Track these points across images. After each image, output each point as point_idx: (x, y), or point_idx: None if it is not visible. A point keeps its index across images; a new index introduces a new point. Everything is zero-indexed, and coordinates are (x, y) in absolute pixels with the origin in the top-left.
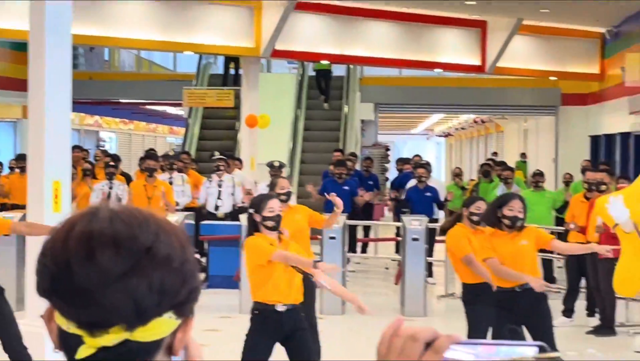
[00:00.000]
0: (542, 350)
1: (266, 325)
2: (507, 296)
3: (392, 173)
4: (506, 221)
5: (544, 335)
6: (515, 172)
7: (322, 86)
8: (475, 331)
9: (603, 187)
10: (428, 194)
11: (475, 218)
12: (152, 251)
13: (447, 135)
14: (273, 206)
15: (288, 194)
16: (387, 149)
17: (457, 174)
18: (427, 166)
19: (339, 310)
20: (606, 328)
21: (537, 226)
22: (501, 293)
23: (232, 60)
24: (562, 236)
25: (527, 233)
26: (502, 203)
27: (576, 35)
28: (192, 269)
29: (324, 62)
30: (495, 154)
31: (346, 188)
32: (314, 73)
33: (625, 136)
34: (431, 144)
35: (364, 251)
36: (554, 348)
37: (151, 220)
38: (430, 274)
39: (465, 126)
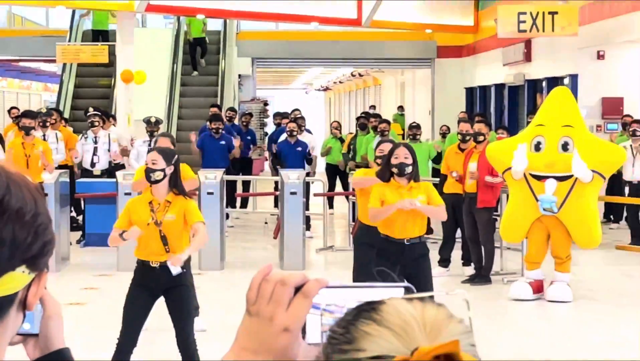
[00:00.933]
0: (408, 291)
1: (144, 278)
2: (395, 247)
3: (271, 128)
4: (394, 170)
5: (423, 288)
6: (392, 125)
7: (197, 55)
8: (361, 269)
9: (480, 137)
10: (299, 148)
11: (378, 161)
12: (3, 205)
13: (325, 89)
14: (147, 159)
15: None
16: (266, 104)
17: (335, 128)
18: (299, 120)
19: (217, 265)
20: (482, 276)
21: None
22: (390, 244)
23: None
24: (438, 187)
25: (425, 188)
26: (389, 155)
27: None
28: (45, 222)
29: (200, 16)
30: (372, 107)
31: (223, 142)
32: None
33: (499, 87)
34: (310, 98)
35: (243, 206)
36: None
37: (1, 173)
38: (308, 227)
39: (344, 80)
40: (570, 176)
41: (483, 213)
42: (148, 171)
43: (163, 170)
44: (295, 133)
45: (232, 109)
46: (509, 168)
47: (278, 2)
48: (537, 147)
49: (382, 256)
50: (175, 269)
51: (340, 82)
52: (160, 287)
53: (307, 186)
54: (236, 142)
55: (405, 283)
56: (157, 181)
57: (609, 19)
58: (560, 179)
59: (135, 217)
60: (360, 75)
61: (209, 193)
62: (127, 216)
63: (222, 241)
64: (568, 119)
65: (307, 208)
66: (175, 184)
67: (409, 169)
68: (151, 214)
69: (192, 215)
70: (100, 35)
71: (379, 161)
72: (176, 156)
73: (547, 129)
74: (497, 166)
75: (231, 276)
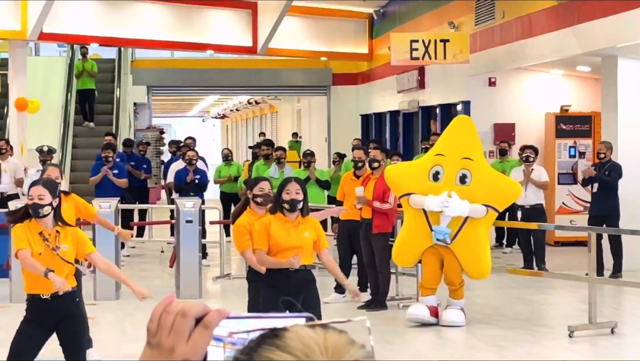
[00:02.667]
0: (309, 320)
1: (35, 313)
2: (279, 275)
3: (167, 156)
4: (286, 206)
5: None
6: (288, 152)
7: (86, 107)
8: (254, 305)
9: (375, 164)
10: (198, 176)
11: (259, 200)
12: None
13: (223, 117)
14: (32, 193)
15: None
16: (162, 132)
17: (226, 156)
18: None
19: (113, 295)
20: (378, 302)
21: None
22: (274, 272)
23: None
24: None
25: (312, 225)
26: (280, 189)
27: (345, 16)
28: None
29: (93, 55)
30: (262, 134)
31: (115, 171)
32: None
33: (394, 114)
34: (208, 125)
35: (139, 235)
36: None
37: None
38: (204, 256)
39: (240, 108)
40: None
41: (379, 238)
42: (36, 207)
43: (50, 204)
44: (194, 162)
45: (133, 141)
46: (407, 194)
47: (173, 30)
48: (436, 176)
49: (269, 285)
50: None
51: (237, 109)
52: (52, 320)
53: (203, 214)
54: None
55: (307, 313)
56: (45, 216)
57: (500, 46)
58: None
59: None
60: (256, 102)
61: None
62: (26, 238)
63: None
64: (468, 151)
65: (204, 236)
66: (60, 216)
67: (300, 205)
68: (45, 243)
69: (86, 246)
70: None
71: (258, 199)
72: (59, 188)
73: (446, 159)
74: (395, 190)
75: (127, 305)
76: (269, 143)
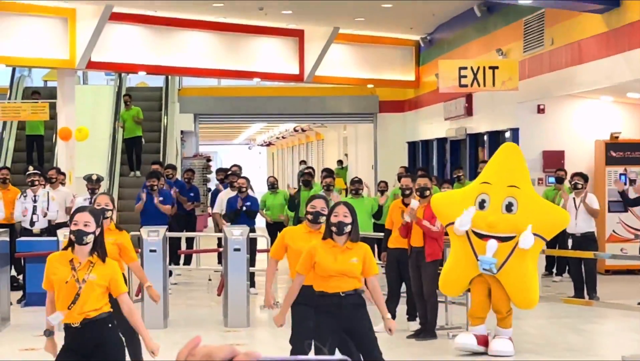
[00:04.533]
0: None
1: (69, 340)
2: (330, 300)
3: (214, 184)
4: (333, 228)
5: (365, 338)
6: (336, 180)
7: (133, 156)
8: (299, 329)
9: (427, 192)
10: (248, 203)
11: (309, 217)
12: None
13: (268, 144)
14: (77, 219)
15: (102, 211)
16: (209, 160)
17: (272, 184)
18: (232, 176)
19: (161, 324)
20: (427, 331)
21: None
22: (326, 298)
23: None
24: (382, 242)
25: (360, 251)
26: (330, 213)
27: (392, 43)
28: None
29: (140, 83)
30: (303, 162)
31: (161, 198)
32: (131, 83)
33: (441, 141)
34: (254, 153)
35: (187, 263)
36: (376, 350)
37: None
38: (252, 284)
39: (286, 135)
40: (512, 237)
41: (429, 266)
42: (81, 234)
43: (94, 232)
44: (244, 189)
45: (170, 166)
46: (453, 223)
47: (220, 58)
48: (482, 205)
49: (321, 312)
50: (55, 320)
51: (283, 137)
52: (85, 347)
53: (253, 242)
54: (172, 208)
55: (344, 357)
56: (87, 244)
57: (549, 73)
58: (502, 239)
59: (54, 276)
60: (302, 130)
61: (151, 251)
62: (48, 275)
63: (165, 299)
64: (514, 179)
65: (252, 264)
66: (100, 245)
67: (347, 228)
68: (72, 273)
69: (118, 286)
70: (35, 141)
71: (309, 216)
72: (101, 217)
73: (492, 187)
74: (442, 218)
75: (175, 334)
76: (330, 172)
